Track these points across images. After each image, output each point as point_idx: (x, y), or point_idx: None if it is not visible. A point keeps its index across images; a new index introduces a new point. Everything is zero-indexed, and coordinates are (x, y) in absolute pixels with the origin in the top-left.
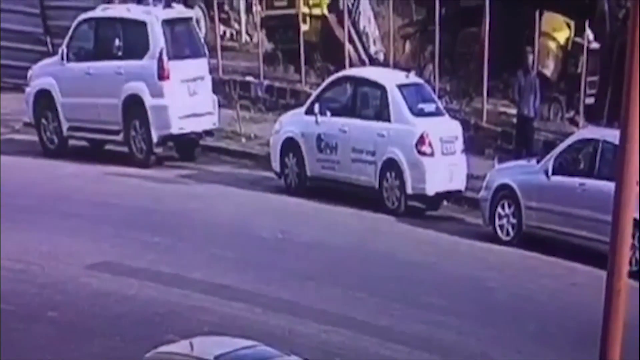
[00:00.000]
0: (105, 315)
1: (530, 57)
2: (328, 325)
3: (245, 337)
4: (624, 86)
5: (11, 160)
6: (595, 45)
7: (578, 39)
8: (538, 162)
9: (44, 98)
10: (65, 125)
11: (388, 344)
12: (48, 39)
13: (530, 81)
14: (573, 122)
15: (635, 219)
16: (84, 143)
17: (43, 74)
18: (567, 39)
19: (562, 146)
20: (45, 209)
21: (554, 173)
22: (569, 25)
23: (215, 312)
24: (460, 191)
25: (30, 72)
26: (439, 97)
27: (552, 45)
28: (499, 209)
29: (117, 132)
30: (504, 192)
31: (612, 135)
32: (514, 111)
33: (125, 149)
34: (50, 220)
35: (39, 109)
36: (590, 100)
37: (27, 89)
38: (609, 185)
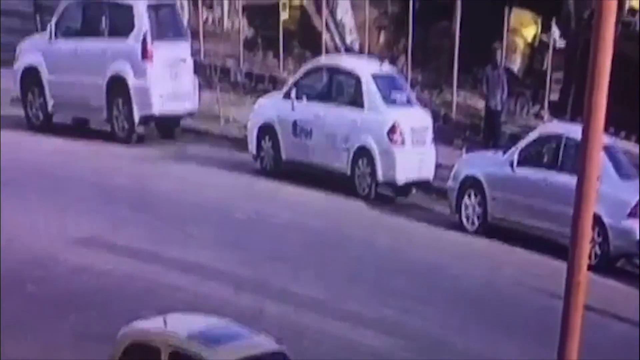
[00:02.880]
0: (83, 290)
1: (498, 53)
2: (298, 307)
3: (217, 315)
4: (587, 83)
5: None
6: (560, 43)
7: (544, 37)
8: (504, 154)
9: (31, 74)
10: (50, 102)
11: (355, 327)
12: (37, 17)
13: (498, 76)
14: (538, 116)
15: (595, 214)
16: (68, 120)
17: (31, 51)
18: (534, 36)
19: (527, 139)
20: (27, 185)
21: (518, 165)
22: (536, 22)
23: (189, 290)
24: (429, 180)
25: (18, 49)
26: (411, 88)
27: (520, 41)
28: (466, 199)
29: (100, 111)
30: (471, 183)
31: (575, 130)
32: (482, 104)
33: (107, 127)
34: (32, 195)
35: (26, 85)
36: (555, 96)
37: (15, 65)
38: (571, 179)
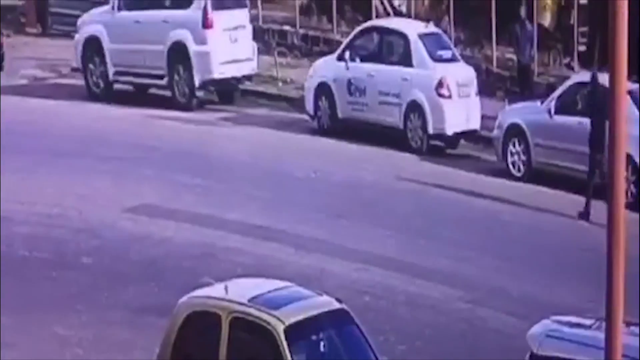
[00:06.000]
0: (141, 260)
1: (522, 11)
2: (358, 264)
3: (278, 278)
4: (608, 35)
5: (56, 104)
6: (584, 0)
7: None
8: (542, 103)
9: (92, 44)
10: (111, 70)
11: (415, 280)
12: None
13: (525, 32)
14: (569, 67)
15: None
16: (128, 87)
17: (93, 22)
18: None
19: (561, 89)
20: (86, 152)
21: (555, 113)
22: None
23: (249, 253)
24: (475, 131)
25: (80, 20)
26: (455, 45)
27: (549, 0)
28: (511, 147)
29: (161, 77)
30: (514, 131)
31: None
32: None
33: (168, 92)
34: (90, 163)
35: (87, 55)
36: (582, 48)
37: (77, 36)
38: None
